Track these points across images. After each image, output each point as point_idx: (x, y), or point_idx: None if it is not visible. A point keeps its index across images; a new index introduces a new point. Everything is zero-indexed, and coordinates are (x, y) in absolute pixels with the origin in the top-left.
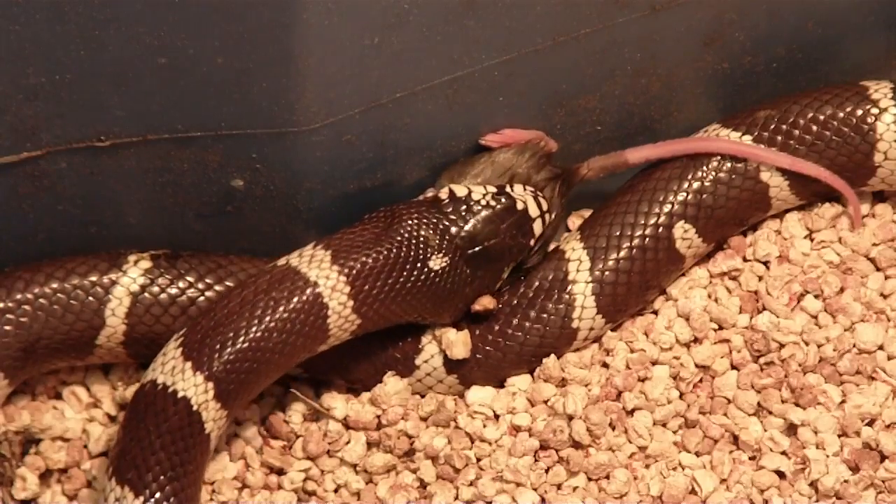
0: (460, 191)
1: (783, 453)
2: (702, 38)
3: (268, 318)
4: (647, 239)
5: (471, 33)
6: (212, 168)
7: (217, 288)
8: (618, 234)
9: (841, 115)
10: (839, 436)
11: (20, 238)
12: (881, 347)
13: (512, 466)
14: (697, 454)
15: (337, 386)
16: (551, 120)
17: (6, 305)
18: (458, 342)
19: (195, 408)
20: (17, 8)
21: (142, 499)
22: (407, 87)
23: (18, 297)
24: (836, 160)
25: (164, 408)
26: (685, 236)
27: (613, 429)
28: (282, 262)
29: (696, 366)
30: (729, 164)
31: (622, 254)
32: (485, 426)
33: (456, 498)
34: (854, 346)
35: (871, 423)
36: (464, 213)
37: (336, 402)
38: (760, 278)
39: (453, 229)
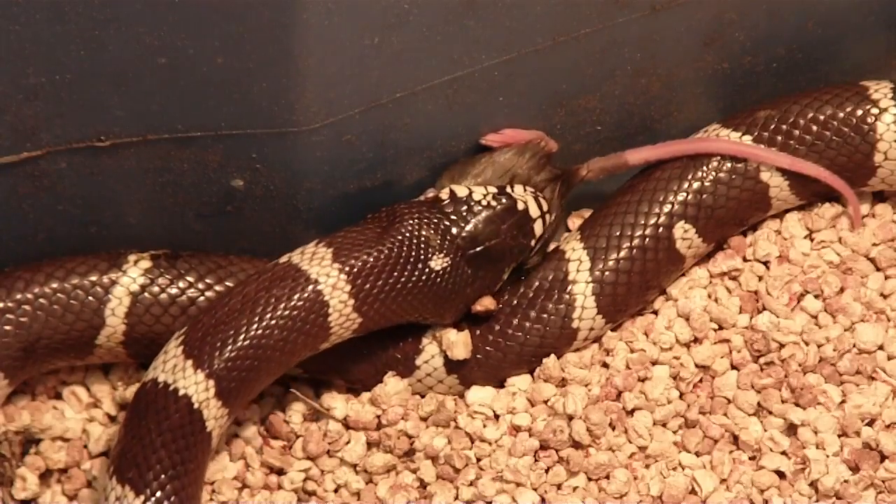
0: (461, 191)
1: (783, 453)
2: (702, 38)
3: (269, 316)
4: (648, 239)
5: (471, 33)
6: (212, 168)
7: (217, 288)
8: (618, 234)
9: (841, 115)
10: (839, 436)
11: (20, 238)
12: (881, 347)
13: (512, 466)
14: (697, 454)
15: (337, 386)
16: (551, 120)
17: (6, 305)
18: (459, 343)
19: (196, 406)
20: (17, 8)
21: (142, 498)
22: (407, 87)
23: (18, 296)
24: (836, 160)
25: (165, 406)
26: (685, 236)
27: (613, 429)
28: (283, 259)
29: (696, 366)
30: (729, 164)
31: (622, 254)
32: (485, 426)
33: (456, 498)
34: (854, 346)
35: (871, 423)
36: (465, 214)
37: (336, 402)
38: (760, 278)
39: (454, 229)
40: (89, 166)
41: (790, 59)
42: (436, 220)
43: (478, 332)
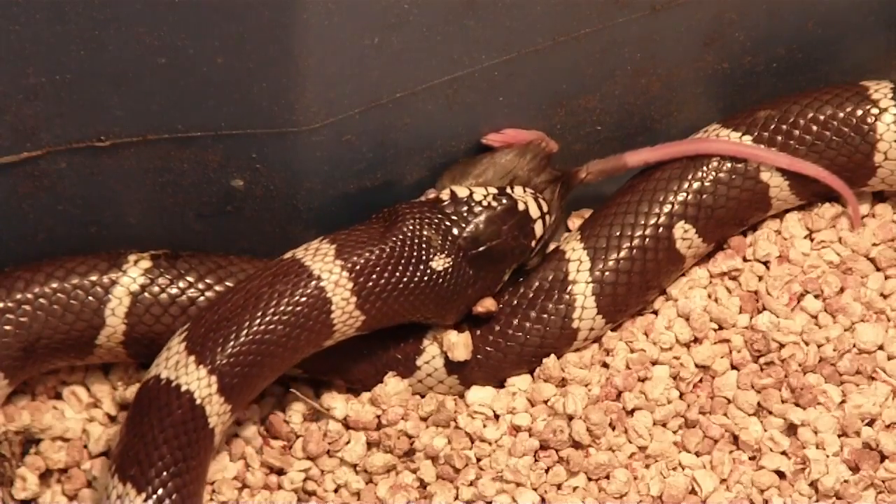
0: (462, 192)
1: (783, 453)
2: (702, 38)
3: (272, 311)
4: (648, 239)
5: (471, 33)
6: (212, 168)
7: (217, 288)
8: (618, 234)
9: (841, 115)
10: (839, 436)
11: (20, 238)
12: (881, 347)
13: (512, 466)
14: (697, 454)
15: (337, 386)
16: (551, 120)
17: (6, 305)
18: (460, 344)
19: (199, 402)
20: (17, 8)
21: (144, 495)
22: (407, 87)
23: (18, 296)
24: (836, 160)
25: (167, 402)
26: (685, 236)
27: (613, 429)
28: (288, 255)
29: (696, 366)
30: (729, 165)
31: (622, 254)
32: (485, 426)
33: (456, 498)
34: (854, 346)
35: (871, 423)
36: (465, 214)
37: (336, 402)
38: (760, 278)
39: (455, 230)
40: (89, 166)
41: (790, 59)
42: (437, 221)
43: (478, 332)
